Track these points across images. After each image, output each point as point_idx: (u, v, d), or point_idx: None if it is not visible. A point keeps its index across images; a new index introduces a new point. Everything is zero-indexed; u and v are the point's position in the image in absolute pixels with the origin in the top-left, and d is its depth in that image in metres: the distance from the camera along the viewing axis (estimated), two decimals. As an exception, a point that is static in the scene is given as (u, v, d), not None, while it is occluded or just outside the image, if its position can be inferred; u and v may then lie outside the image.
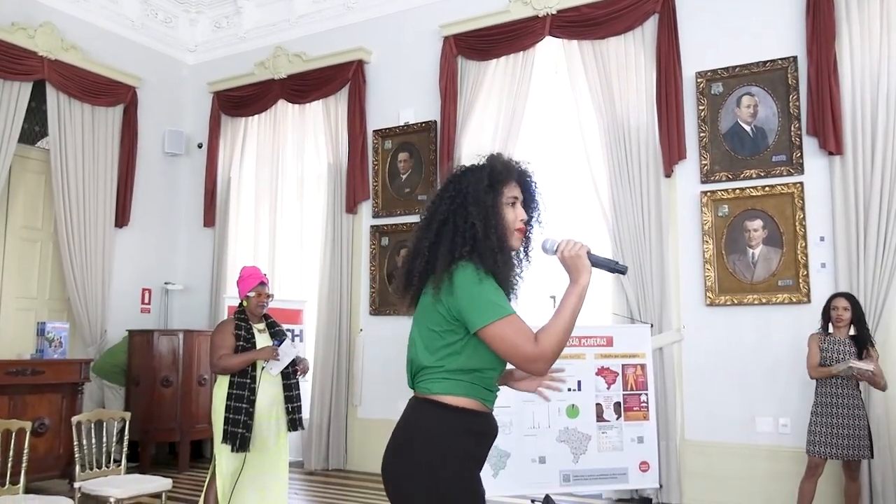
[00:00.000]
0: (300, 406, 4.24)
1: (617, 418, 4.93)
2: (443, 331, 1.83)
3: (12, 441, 3.78)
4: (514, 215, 1.91)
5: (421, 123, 6.72)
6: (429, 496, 1.78)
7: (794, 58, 5.27)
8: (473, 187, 1.87)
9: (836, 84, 5.04)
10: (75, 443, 3.98)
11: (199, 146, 8.02)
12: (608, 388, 4.96)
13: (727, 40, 5.52)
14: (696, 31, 5.63)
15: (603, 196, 5.75)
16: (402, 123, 6.84)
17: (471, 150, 6.13)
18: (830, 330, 4.46)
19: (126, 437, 4.42)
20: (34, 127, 6.87)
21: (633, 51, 5.73)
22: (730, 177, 5.42)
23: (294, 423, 4.19)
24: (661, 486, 5.13)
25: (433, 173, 6.57)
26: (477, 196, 1.86)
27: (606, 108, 5.75)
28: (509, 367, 1.95)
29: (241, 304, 4.22)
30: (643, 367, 5.02)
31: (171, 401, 6.62)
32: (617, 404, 4.95)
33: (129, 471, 4.54)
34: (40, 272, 6.94)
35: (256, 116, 7.62)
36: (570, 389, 4.86)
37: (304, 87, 7.25)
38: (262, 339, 4.16)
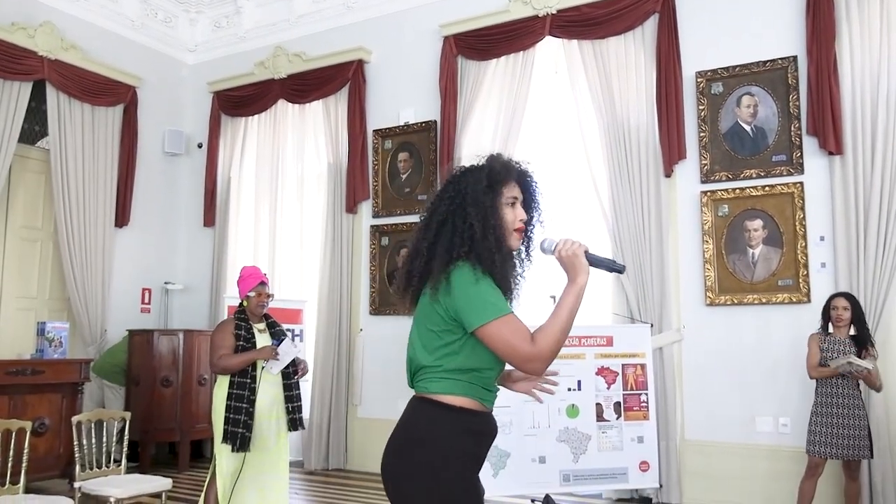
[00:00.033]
0: (300, 406, 4.25)
1: (617, 418, 4.93)
2: (441, 331, 1.83)
3: (12, 441, 3.78)
4: (513, 215, 1.91)
5: (421, 123, 6.72)
6: (429, 496, 1.78)
7: (794, 57, 5.27)
8: (472, 188, 1.87)
9: (836, 84, 5.04)
10: (75, 443, 3.98)
11: (199, 146, 8.02)
12: (608, 388, 4.96)
13: (727, 40, 5.52)
14: (696, 30, 5.63)
15: (603, 196, 5.75)
16: (402, 123, 6.84)
17: (471, 149, 6.13)
18: (830, 330, 4.46)
19: (126, 437, 4.42)
20: (34, 127, 6.87)
21: (633, 50, 5.73)
22: (730, 177, 5.42)
23: (294, 422, 4.19)
24: (661, 485, 5.13)
25: (433, 173, 6.57)
26: (475, 196, 1.86)
27: (606, 108, 5.75)
28: (508, 367, 1.95)
29: (241, 304, 4.22)
30: (643, 366, 5.02)
31: (171, 401, 6.62)
32: (617, 404, 4.96)
33: (129, 471, 4.54)
34: (40, 272, 6.94)
35: (256, 116, 7.62)
36: (570, 389, 4.86)
37: (304, 86, 7.25)
38: (263, 339, 4.16)
